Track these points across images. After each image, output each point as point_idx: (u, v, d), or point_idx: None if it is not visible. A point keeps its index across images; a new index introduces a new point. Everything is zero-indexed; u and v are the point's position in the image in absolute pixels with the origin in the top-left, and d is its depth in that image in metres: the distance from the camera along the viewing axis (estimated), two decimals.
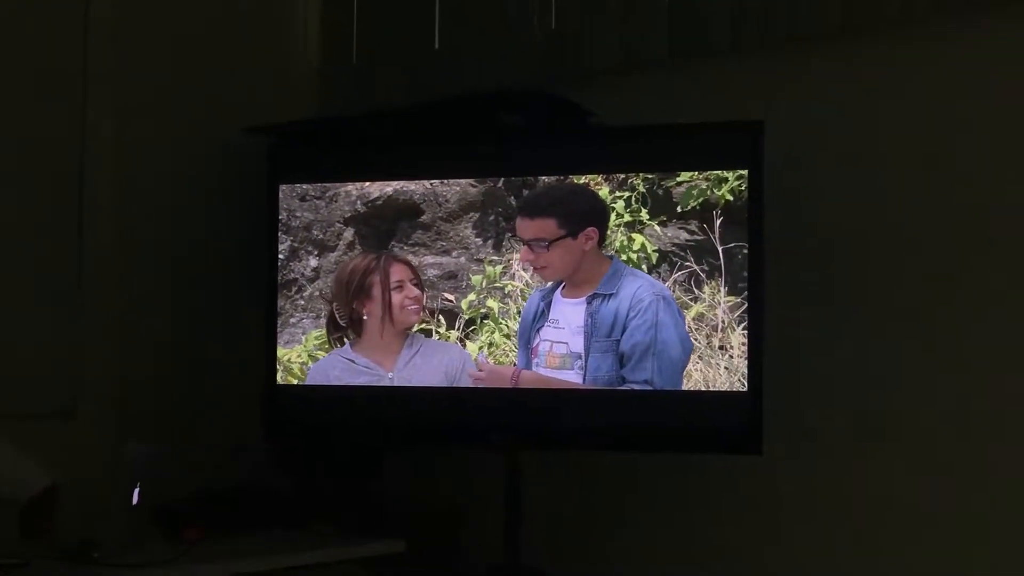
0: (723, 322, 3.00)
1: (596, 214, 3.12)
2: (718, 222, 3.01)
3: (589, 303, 3.10)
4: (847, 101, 3.11)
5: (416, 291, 3.29)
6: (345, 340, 3.32)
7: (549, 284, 3.17)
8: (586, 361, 3.08)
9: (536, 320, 3.16)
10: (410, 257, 3.30)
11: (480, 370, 3.19)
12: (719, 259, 3.01)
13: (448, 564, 3.52)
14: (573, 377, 3.10)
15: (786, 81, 3.19)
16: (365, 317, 3.31)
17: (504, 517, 3.20)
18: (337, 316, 3.33)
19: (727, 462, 3.16)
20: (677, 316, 3.03)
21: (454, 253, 3.27)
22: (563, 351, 3.12)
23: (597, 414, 3.11)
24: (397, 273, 3.30)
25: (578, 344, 3.10)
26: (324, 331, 3.34)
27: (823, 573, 3.13)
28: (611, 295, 3.08)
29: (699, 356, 3.02)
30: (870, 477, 3.06)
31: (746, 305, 2.98)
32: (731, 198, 3.01)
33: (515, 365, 3.17)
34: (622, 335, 3.05)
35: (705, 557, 3.31)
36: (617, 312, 3.06)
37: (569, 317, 3.12)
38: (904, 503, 3.01)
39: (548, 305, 3.16)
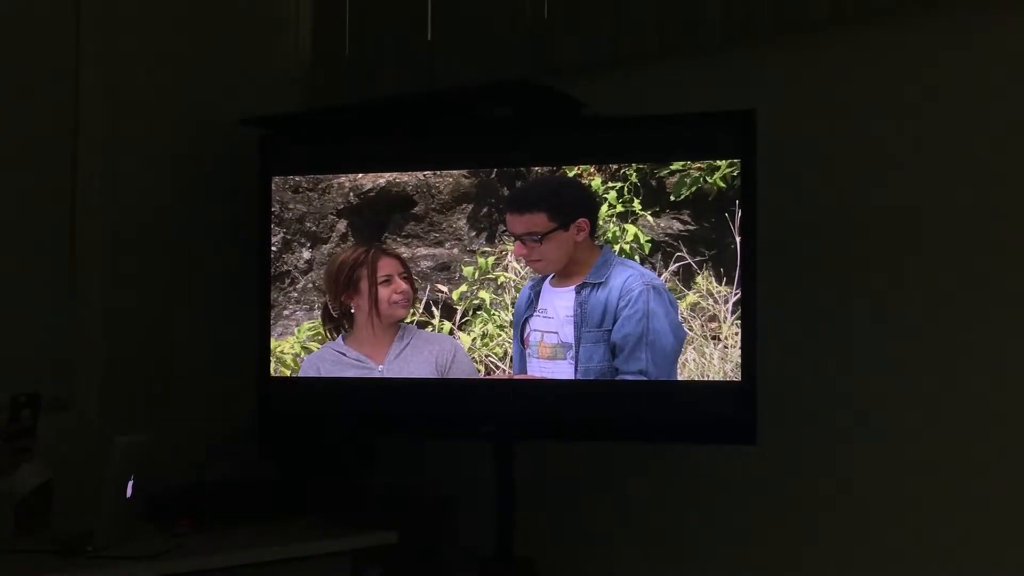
0: (720, 312, 3.00)
1: (586, 204, 3.12)
2: (739, 214, 2.99)
3: (578, 292, 3.10)
4: (839, 91, 3.11)
5: (404, 285, 3.28)
6: (341, 330, 3.32)
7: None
8: (577, 351, 3.08)
9: (526, 310, 3.16)
10: (401, 250, 3.29)
11: None
12: (736, 249, 2.99)
13: (440, 555, 3.52)
14: (566, 367, 3.10)
15: (779, 73, 3.19)
16: (353, 311, 3.31)
17: (496, 508, 3.20)
18: (330, 308, 3.33)
19: (721, 452, 3.15)
20: (668, 305, 3.03)
21: (447, 244, 3.27)
22: (554, 341, 3.12)
23: (590, 404, 3.11)
24: (385, 267, 3.29)
25: (568, 334, 3.10)
26: (317, 322, 3.35)
27: (818, 565, 3.13)
28: (600, 284, 3.08)
29: (693, 347, 3.01)
30: (863, 468, 3.07)
31: (739, 294, 2.98)
32: (723, 185, 3.01)
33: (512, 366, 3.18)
34: (613, 325, 3.05)
35: (697, 547, 3.31)
36: (607, 302, 3.06)
37: (558, 306, 3.12)
38: (898, 495, 3.02)
39: (537, 295, 3.16)
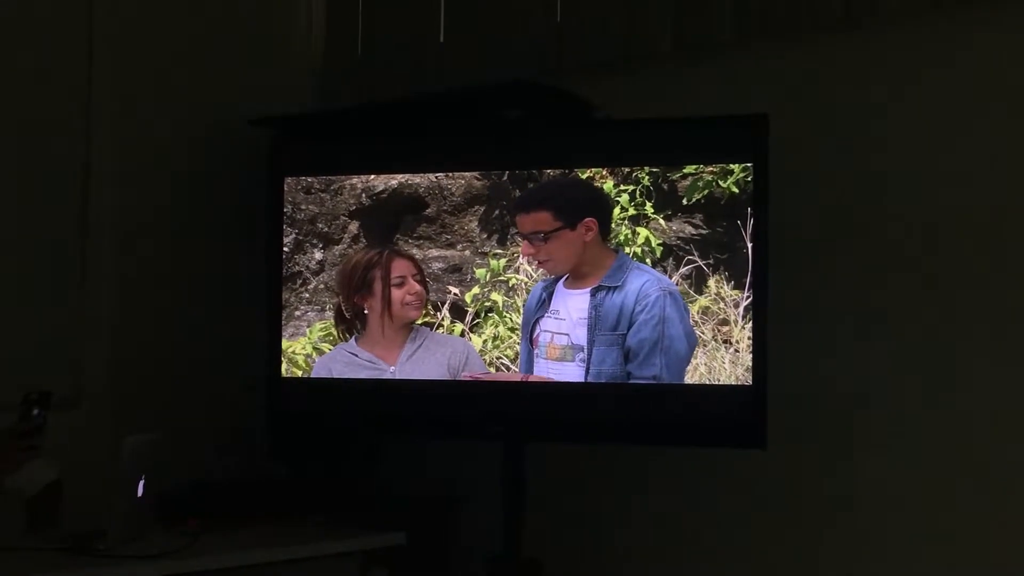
0: (731, 316, 3.00)
1: (594, 204, 3.12)
2: (751, 218, 2.99)
3: (594, 295, 3.10)
4: (848, 93, 3.11)
5: (417, 287, 3.28)
6: (354, 331, 3.32)
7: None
8: (589, 354, 3.08)
9: (537, 310, 3.17)
10: (415, 252, 3.29)
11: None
12: (747, 253, 2.98)
13: (447, 556, 3.52)
14: (574, 369, 3.10)
15: (791, 74, 3.19)
16: (366, 311, 3.31)
17: (503, 509, 3.20)
18: (344, 309, 3.34)
19: (729, 454, 3.15)
20: (683, 311, 3.03)
21: (459, 246, 3.27)
22: (564, 343, 3.12)
23: (600, 407, 3.11)
24: (399, 269, 3.29)
25: (580, 336, 3.10)
26: (329, 323, 3.35)
27: (825, 566, 3.13)
28: (616, 288, 3.08)
29: (704, 351, 3.01)
30: (872, 471, 3.07)
31: (751, 299, 2.98)
32: (736, 191, 3.01)
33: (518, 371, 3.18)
34: (628, 330, 3.05)
35: (705, 549, 3.31)
36: (623, 306, 3.06)
37: (571, 308, 3.12)
38: (905, 496, 3.02)
39: (550, 296, 3.16)
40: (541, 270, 3.17)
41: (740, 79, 3.26)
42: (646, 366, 3.03)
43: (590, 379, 3.08)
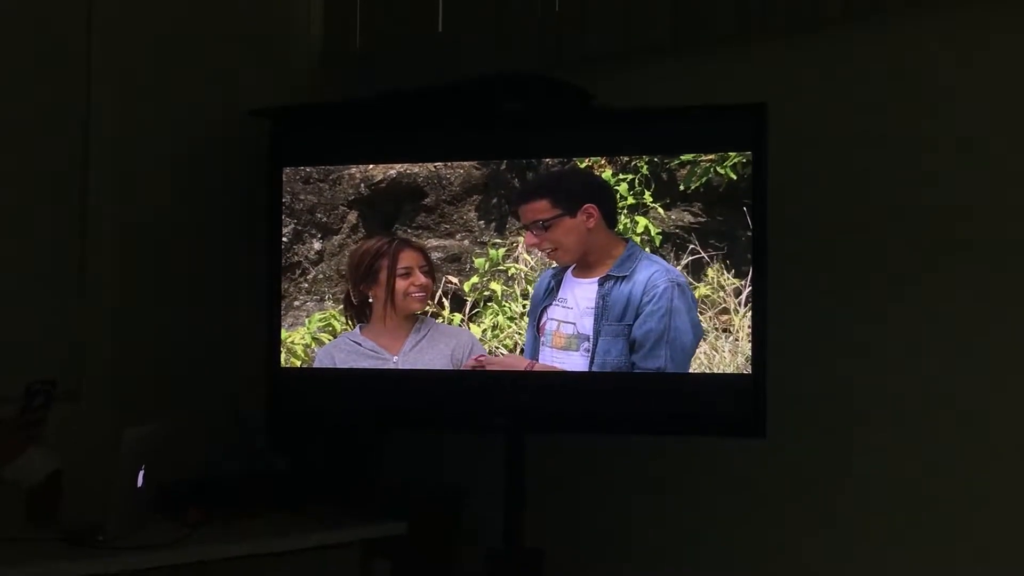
0: (731, 304, 3.00)
1: (593, 191, 3.12)
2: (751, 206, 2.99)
3: (601, 284, 3.09)
4: (849, 86, 3.11)
5: (424, 279, 3.27)
6: (361, 319, 3.31)
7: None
8: (595, 344, 3.08)
9: (545, 298, 3.16)
10: (423, 242, 3.28)
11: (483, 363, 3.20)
12: (747, 241, 2.98)
13: (449, 546, 3.52)
14: (579, 358, 3.10)
15: (789, 67, 3.19)
16: (371, 300, 3.31)
17: (505, 499, 3.20)
18: (351, 296, 3.33)
19: (730, 445, 3.15)
20: (691, 302, 3.02)
21: (458, 236, 3.27)
22: (570, 331, 3.11)
23: (601, 397, 3.10)
24: (406, 259, 3.29)
25: (587, 326, 3.09)
26: (328, 313, 3.35)
27: (828, 559, 3.13)
28: (624, 278, 3.07)
29: (705, 340, 3.01)
30: (869, 463, 3.07)
31: (750, 288, 2.97)
32: (734, 176, 3.00)
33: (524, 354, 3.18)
34: (635, 320, 3.04)
35: (706, 539, 3.31)
36: (631, 296, 3.05)
37: (579, 297, 3.11)
38: (904, 489, 3.02)
39: (558, 284, 3.15)
40: (544, 259, 3.17)
41: (739, 72, 3.26)
42: (651, 357, 3.03)
43: (594, 369, 3.08)
